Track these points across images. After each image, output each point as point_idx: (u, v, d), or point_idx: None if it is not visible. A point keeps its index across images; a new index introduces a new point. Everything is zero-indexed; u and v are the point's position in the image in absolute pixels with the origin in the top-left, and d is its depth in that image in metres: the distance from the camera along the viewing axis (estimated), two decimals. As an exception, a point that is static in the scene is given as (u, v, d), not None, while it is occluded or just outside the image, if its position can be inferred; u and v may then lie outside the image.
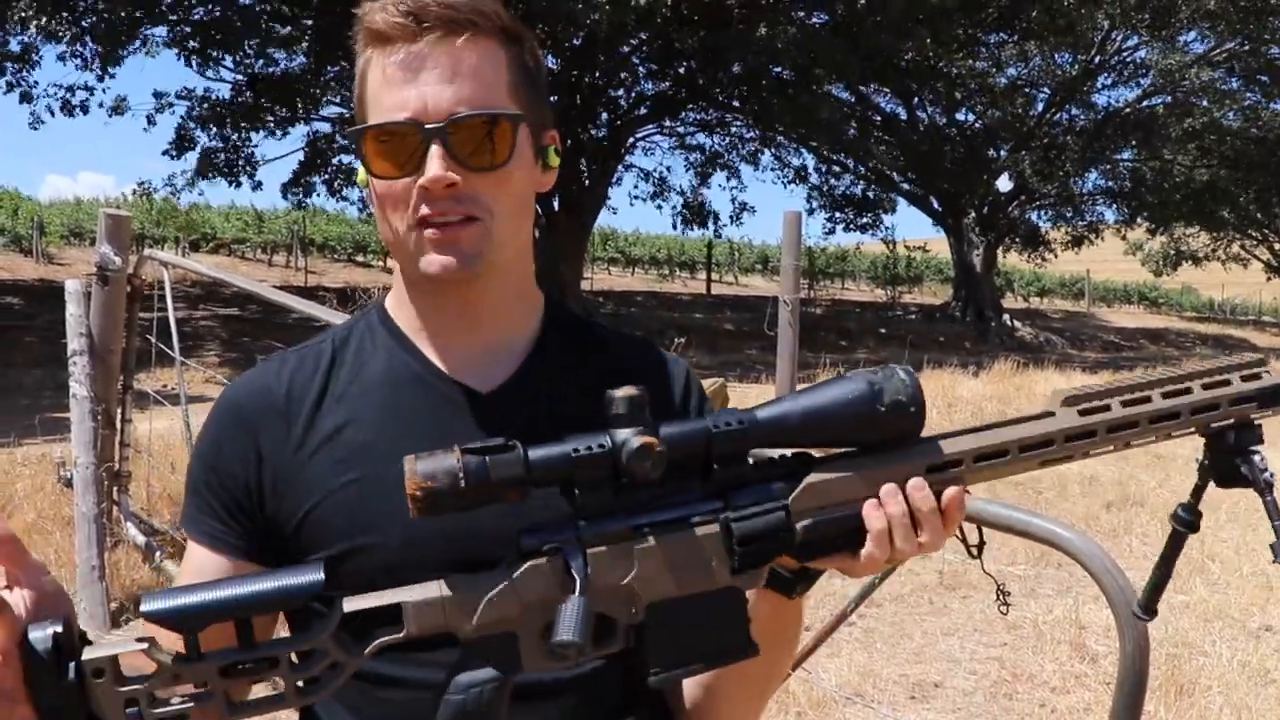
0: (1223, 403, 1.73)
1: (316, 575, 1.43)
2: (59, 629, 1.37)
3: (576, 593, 1.43)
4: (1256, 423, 1.77)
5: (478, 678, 1.48)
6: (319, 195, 30.45)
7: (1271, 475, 1.73)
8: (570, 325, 2.00)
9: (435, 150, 1.69)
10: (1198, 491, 1.85)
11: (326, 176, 30.85)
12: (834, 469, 1.60)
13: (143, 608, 1.38)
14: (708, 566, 1.54)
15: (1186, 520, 1.87)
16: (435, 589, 1.49)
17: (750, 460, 1.61)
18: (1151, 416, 1.70)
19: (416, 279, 1.82)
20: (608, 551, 1.50)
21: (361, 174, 1.81)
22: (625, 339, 2.05)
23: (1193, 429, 1.75)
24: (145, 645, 1.39)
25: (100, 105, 28.27)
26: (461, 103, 1.71)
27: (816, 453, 1.64)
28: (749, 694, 1.94)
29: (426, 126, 1.69)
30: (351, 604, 1.46)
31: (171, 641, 1.41)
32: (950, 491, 1.62)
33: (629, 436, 1.48)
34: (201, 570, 1.85)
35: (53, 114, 26.95)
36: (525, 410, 1.82)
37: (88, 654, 1.38)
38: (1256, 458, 1.74)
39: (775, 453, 1.63)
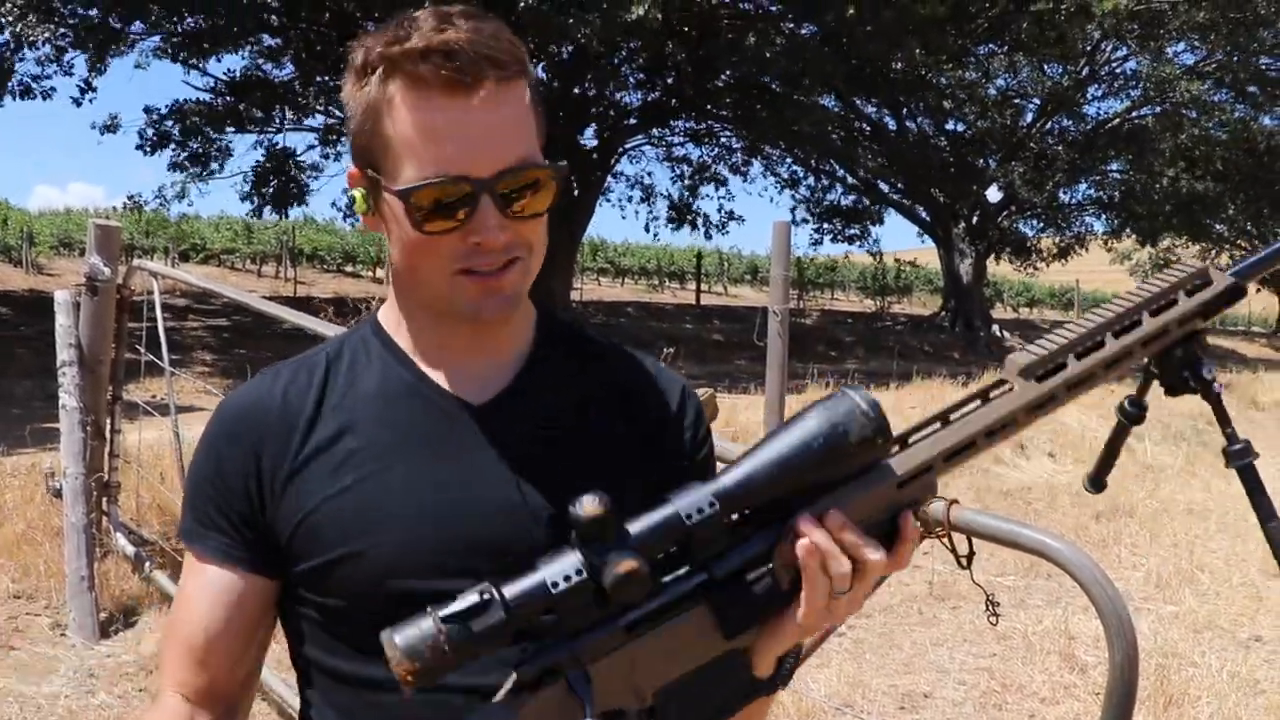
0: (1171, 326, 1.73)
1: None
2: None
3: (588, 716, 1.42)
4: (1200, 331, 1.78)
5: None
6: (267, 208, 29.95)
7: (1220, 385, 1.76)
8: (564, 336, 2.00)
9: (487, 205, 1.68)
10: (1143, 389, 1.89)
11: (275, 188, 30.65)
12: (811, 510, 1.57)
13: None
14: (705, 640, 1.53)
15: (1132, 414, 1.91)
16: None
17: (727, 529, 1.56)
18: (1107, 362, 1.69)
19: (445, 313, 1.82)
20: (606, 660, 1.47)
21: (359, 200, 1.81)
22: (620, 351, 2.05)
23: (1144, 360, 1.77)
24: None
25: (74, 101, 27.95)
26: (508, 156, 1.70)
27: None
28: None
29: (479, 181, 1.68)
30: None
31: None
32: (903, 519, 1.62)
33: (610, 560, 1.42)
34: (202, 583, 1.87)
35: (14, 98, 26.57)
36: (519, 422, 1.82)
37: None
38: (1204, 369, 1.76)
39: None
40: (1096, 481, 2.04)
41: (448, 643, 1.36)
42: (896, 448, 1.62)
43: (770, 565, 1.55)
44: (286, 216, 34.81)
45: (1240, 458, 1.80)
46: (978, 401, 1.66)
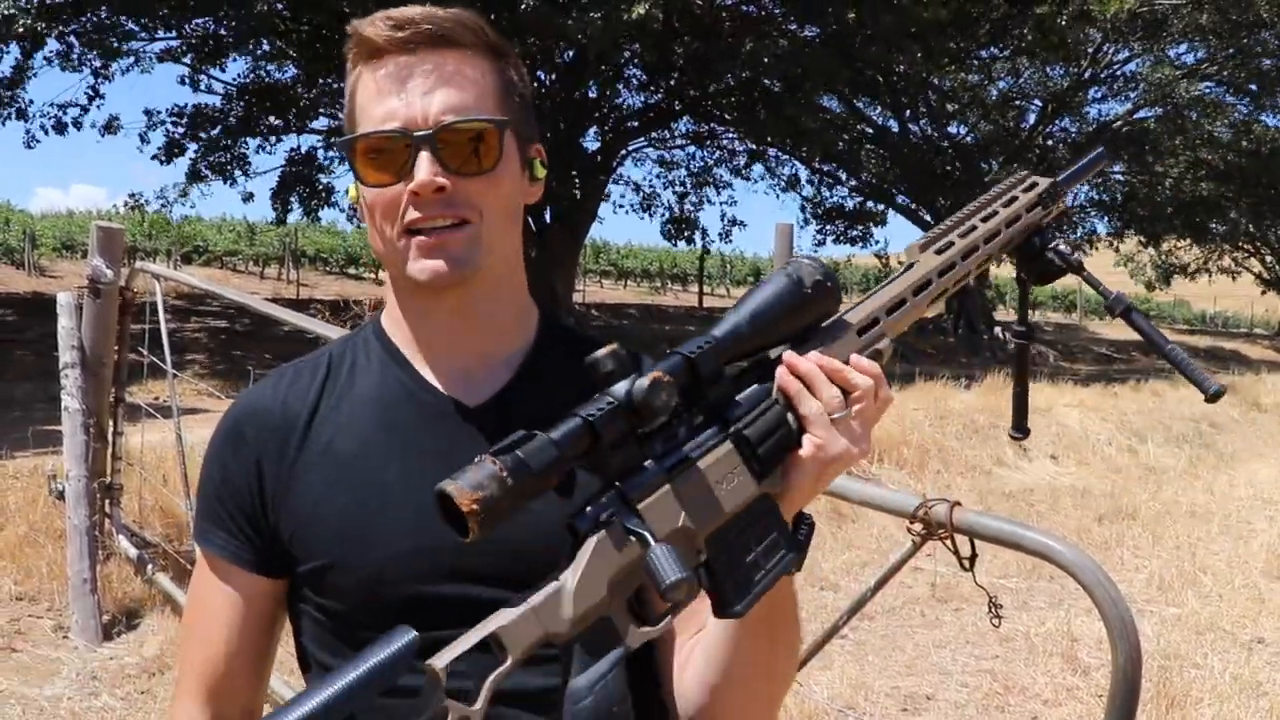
0: (1021, 211, 2.03)
1: (408, 636, 1.37)
2: None
3: (653, 542, 1.42)
4: (1046, 223, 2.08)
5: (596, 673, 1.44)
6: (294, 213, 30.04)
7: (1079, 256, 2.04)
8: (565, 338, 2.01)
9: (424, 157, 1.72)
10: (1024, 302, 2.18)
11: (303, 194, 30.68)
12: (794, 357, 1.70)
13: None
14: (737, 484, 1.58)
15: (1023, 333, 2.19)
16: (514, 610, 1.41)
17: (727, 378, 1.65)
18: (985, 237, 1.97)
19: (407, 286, 1.85)
20: (653, 503, 1.50)
21: (352, 190, 1.85)
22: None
23: (1012, 242, 2.03)
24: None
25: (93, 125, 28.14)
26: (449, 111, 1.75)
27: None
28: (753, 696, 1.91)
29: (415, 134, 1.73)
30: (443, 658, 1.38)
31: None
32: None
33: (633, 381, 1.47)
34: (212, 583, 1.91)
35: (46, 133, 26.77)
36: (514, 424, 1.79)
37: None
38: (1061, 245, 2.05)
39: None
40: (1018, 425, 2.18)
41: (510, 474, 1.36)
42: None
43: (775, 403, 1.65)
44: (317, 220, 34.80)
45: (1120, 304, 2.05)
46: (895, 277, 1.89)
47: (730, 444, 1.58)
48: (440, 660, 1.37)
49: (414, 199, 1.74)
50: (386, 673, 1.35)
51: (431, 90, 1.75)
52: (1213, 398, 2.04)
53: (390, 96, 1.76)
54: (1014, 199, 2.03)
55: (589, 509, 1.47)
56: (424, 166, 1.72)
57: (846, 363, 1.67)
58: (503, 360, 1.92)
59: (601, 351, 1.50)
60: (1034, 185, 2.07)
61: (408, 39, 1.75)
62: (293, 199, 30.48)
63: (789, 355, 1.65)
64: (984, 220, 1.98)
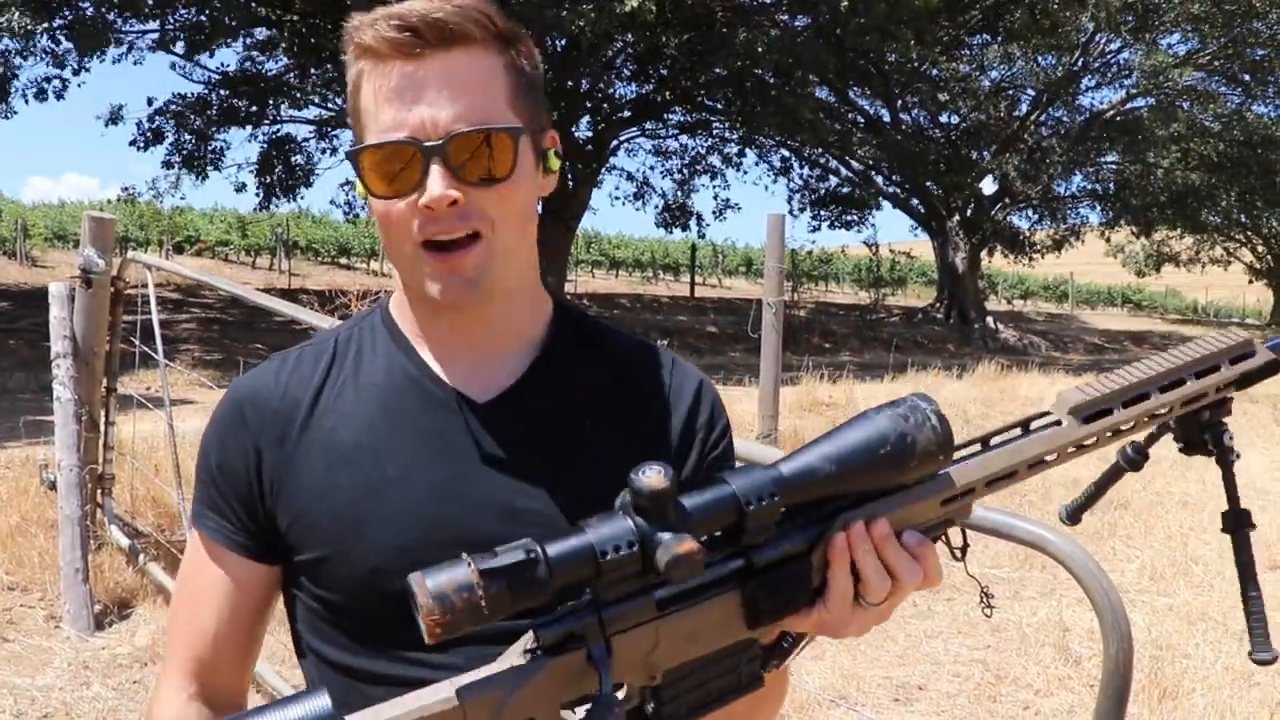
0: (1210, 390, 1.75)
1: (323, 702, 1.32)
2: None
3: (603, 688, 1.36)
4: (1229, 398, 1.80)
5: None
6: (276, 197, 29.91)
7: (1237, 454, 1.81)
8: (578, 331, 1.97)
9: (436, 169, 1.66)
10: (1152, 439, 1.92)
11: (280, 176, 30.60)
12: (856, 516, 1.54)
13: None
14: (728, 626, 1.49)
15: (1134, 460, 1.94)
16: (448, 692, 1.36)
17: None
18: (1149, 413, 1.70)
19: (422, 299, 1.81)
20: (632, 635, 1.42)
21: (360, 188, 1.78)
22: (635, 344, 2.01)
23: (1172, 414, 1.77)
24: None
25: (80, 86, 27.98)
26: (460, 119, 1.68)
27: None
28: None
29: (426, 145, 1.67)
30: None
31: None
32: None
33: (667, 541, 1.33)
34: (203, 565, 1.89)
35: (26, 101, 26.53)
36: (522, 421, 1.80)
37: None
38: (1226, 433, 1.79)
39: None
40: (1074, 515, 2.07)
41: (484, 596, 1.27)
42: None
43: (808, 561, 1.52)
44: (295, 201, 34.80)
45: (1238, 524, 1.86)
46: (1019, 430, 1.65)
47: (738, 594, 1.48)
48: None
49: (426, 213, 1.68)
50: None
51: (440, 97, 1.68)
52: (1258, 662, 1.98)
53: (397, 104, 1.69)
54: (1213, 369, 1.76)
55: (561, 618, 1.39)
56: (436, 180, 1.66)
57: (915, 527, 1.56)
58: (514, 355, 1.88)
59: (646, 479, 1.34)
60: (1246, 357, 1.80)
61: (413, 41, 1.68)
62: (274, 185, 30.43)
63: (854, 529, 1.51)
64: (1164, 390, 1.72)
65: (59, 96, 26.73)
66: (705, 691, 1.50)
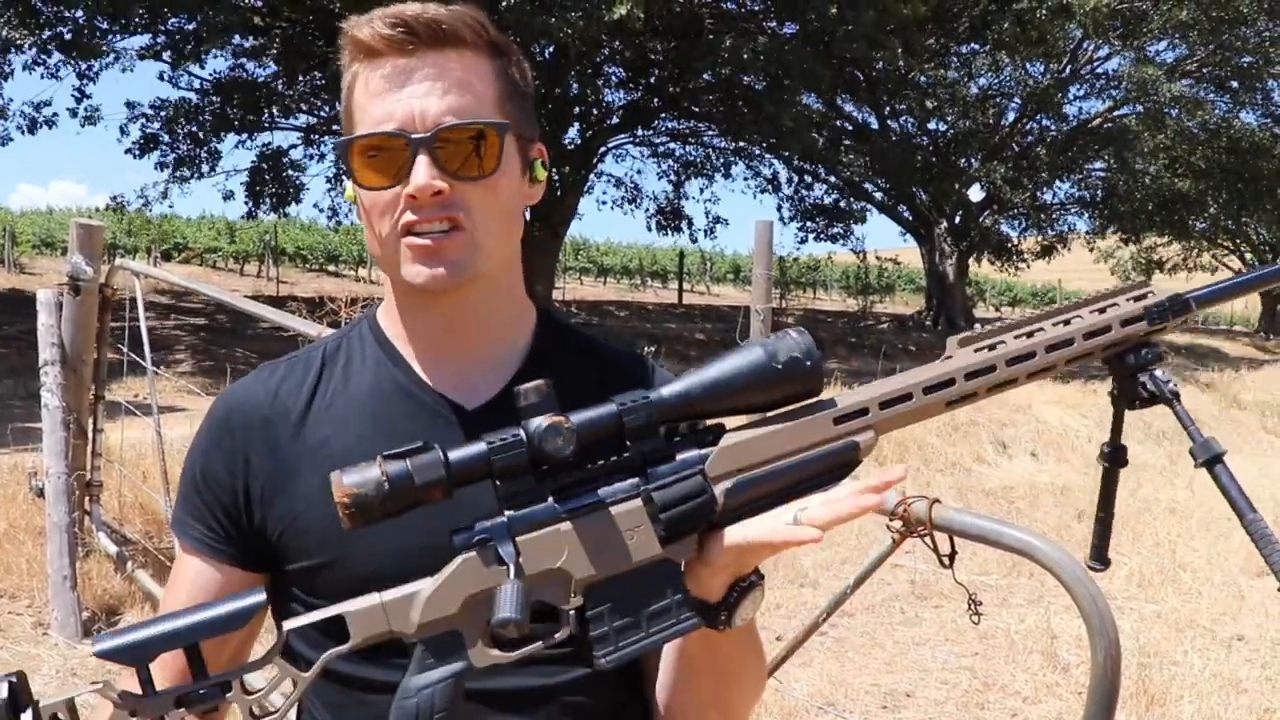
0: (1113, 324, 1.81)
1: (257, 598, 1.47)
2: (13, 680, 1.36)
3: (511, 575, 1.46)
4: (1152, 341, 1.84)
5: (428, 679, 1.50)
6: (264, 208, 29.93)
7: (1175, 386, 1.81)
8: (564, 339, 2.02)
9: (422, 160, 1.71)
10: (1117, 422, 1.94)
11: (273, 191, 30.54)
12: (743, 432, 1.64)
13: (94, 648, 1.41)
14: (636, 541, 1.57)
15: (1112, 455, 1.97)
16: (375, 597, 1.53)
17: (666, 436, 1.64)
18: (1046, 345, 1.76)
19: (404, 290, 1.84)
20: (536, 537, 1.53)
21: (349, 189, 1.84)
22: (621, 354, 2.07)
23: (1089, 353, 1.81)
24: (99, 686, 1.41)
25: (74, 115, 27.82)
26: (448, 113, 1.73)
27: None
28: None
29: (413, 136, 1.71)
30: (293, 623, 1.51)
31: (133, 682, 1.42)
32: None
33: (539, 419, 1.51)
34: (187, 573, 1.91)
35: (22, 132, 26.47)
36: (510, 427, 1.81)
37: (45, 701, 1.39)
38: (1158, 372, 1.81)
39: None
40: (1100, 555, 2.09)
41: (389, 482, 1.46)
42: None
43: (703, 476, 1.59)
44: (285, 216, 34.81)
45: (1206, 452, 1.83)
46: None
47: (639, 502, 1.58)
48: (290, 624, 1.51)
49: (410, 202, 1.73)
50: (225, 621, 1.46)
51: (431, 91, 1.74)
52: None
53: (388, 97, 1.74)
54: (1110, 306, 1.83)
55: (475, 525, 1.53)
56: (422, 169, 1.71)
57: (811, 448, 1.63)
58: (500, 362, 1.92)
59: (527, 385, 1.54)
60: (1145, 295, 1.85)
61: (406, 39, 1.74)
62: (264, 197, 30.38)
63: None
64: (1056, 324, 1.80)
65: (50, 125, 26.71)
66: (638, 627, 1.56)
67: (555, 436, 1.49)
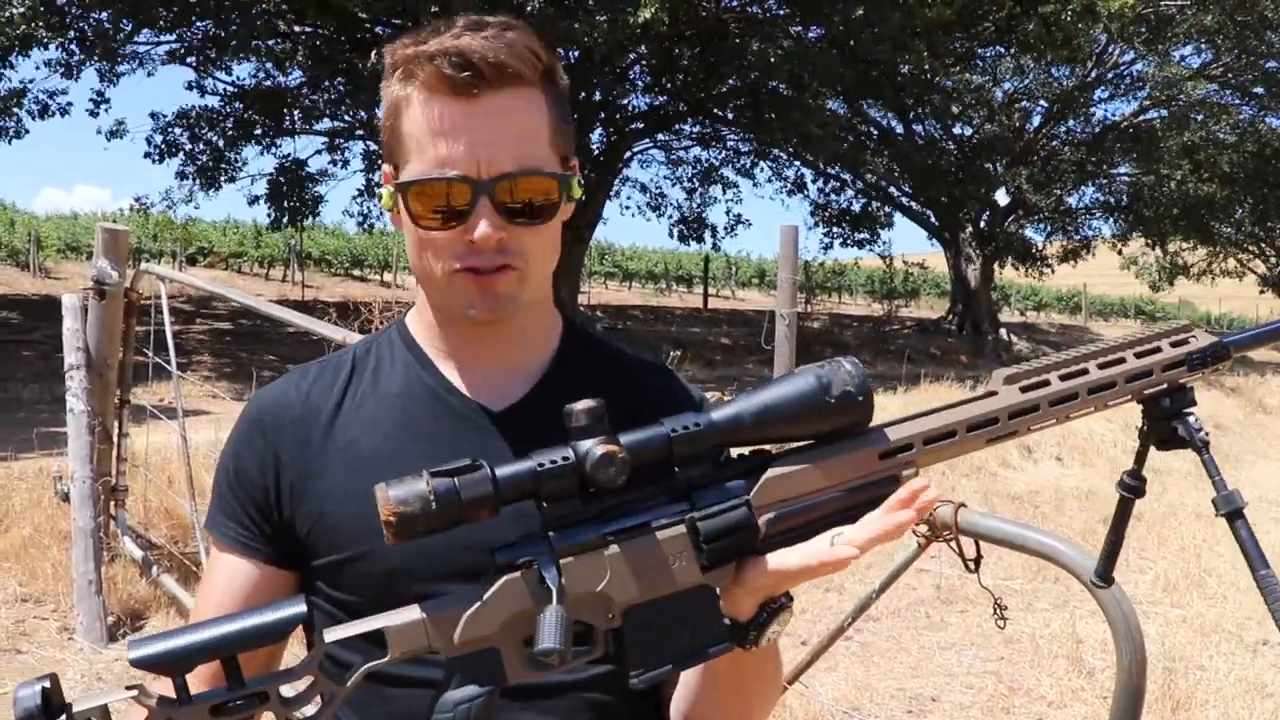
0: (1155, 369, 1.82)
1: (298, 608, 1.46)
2: (46, 684, 1.36)
3: (554, 602, 1.45)
4: (1188, 386, 1.87)
5: (465, 694, 1.51)
6: (284, 220, 29.86)
7: (1206, 435, 1.84)
8: (588, 347, 2.05)
9: (485, 207, 1.74)
10: (1140, 457, 1.94)
11: (293, 203, 30.46)
12: (790, 462, 1.64)
13: (130, 655, 1.39)
14: (678, 567, 1.57)
15: (1132, 486, 1.95)
16: (416, 612, 1.51)
17: (712, 461, 1.63)
18: (1090, 387, 1.77)
19: (452, 317, 1.89)
20: (579, 560, 1.54)
21: (386, 197, 1.86)
22: (642, 362, 2.10)
23: (1129, 397, 1.83)
24: (134, 692, 1.40)
25: (93, 115, 27.72)
26: (510, 160, 1.75)
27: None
28: None
29: (477, 183, 1.73)
30: (333, 634, 1.50)
31: (165, 686, 1.42)
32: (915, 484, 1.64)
33: (591, 446, 1.51)
34: (221, 571, 1.94)
35: (33, 118, 26.34)
36: (536, 430, 1.81)
37: (78, 705, 1.38)
38: (1191, 419, 1.83)
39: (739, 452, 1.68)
40: (1105, 574, 2.09)
41: (434, 498, 1.44)
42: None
43: (748, 507, 1.60)
44: (301, 229, 34.87)
45: (1228, 505, 1.86)
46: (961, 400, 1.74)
47: (684, 529, 1.58)
48: (330, 634, 1.49)
49: (469, 245, 1.76)
50: (266, 632, 1.44)
51: (494, 138, 1.75)
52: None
53: (450, 139, 1.75)
54: (1154, 350, 1.84)
55: (517, 544, 1.53)
56: (484, 218, 1.73)
57: (854, 479, 1.64)
58: (528, 367, 1.96)
59: (578, 405, 1.54)
60: (1187, 340, 1.87)
61: (473, 81, 1.73)
62: (284, 205, 30.34)
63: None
64: (1102, 366, 1.80)
65: (64, 113, 26.61)
66: (671, 649, 1.57)
67: (609, 466, 1.50)
